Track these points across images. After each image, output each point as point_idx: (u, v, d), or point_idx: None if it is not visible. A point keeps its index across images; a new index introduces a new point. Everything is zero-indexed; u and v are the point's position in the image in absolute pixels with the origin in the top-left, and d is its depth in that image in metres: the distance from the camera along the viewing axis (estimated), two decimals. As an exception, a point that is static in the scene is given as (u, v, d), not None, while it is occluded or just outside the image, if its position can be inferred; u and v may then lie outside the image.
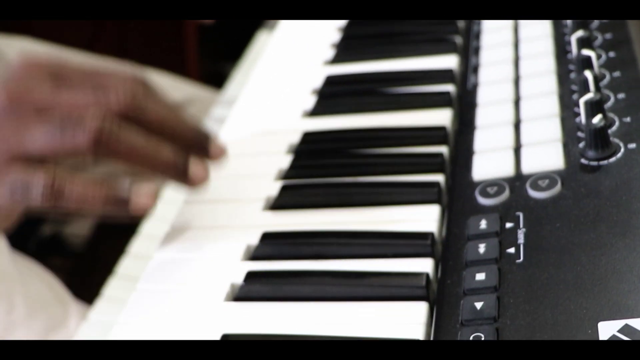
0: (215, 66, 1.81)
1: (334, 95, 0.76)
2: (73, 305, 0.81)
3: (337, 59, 0.83)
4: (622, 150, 0.57)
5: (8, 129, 0.52)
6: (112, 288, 0.70)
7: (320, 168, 0.67)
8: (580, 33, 0.68)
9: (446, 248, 0.55)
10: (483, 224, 0.55)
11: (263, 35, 1.03)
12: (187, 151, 0.57)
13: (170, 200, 0.77)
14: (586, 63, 0.65)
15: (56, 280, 0.82)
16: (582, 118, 0.59)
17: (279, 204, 0.63)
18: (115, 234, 0.75)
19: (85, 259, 1.33)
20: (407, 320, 0.51)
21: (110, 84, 0.54)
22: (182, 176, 0.56)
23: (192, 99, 1.15)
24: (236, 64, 0.99)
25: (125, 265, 0.74)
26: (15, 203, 0.53)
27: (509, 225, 0.54)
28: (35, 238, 1.32)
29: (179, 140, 0.57)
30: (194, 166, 0.57)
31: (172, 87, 1.16)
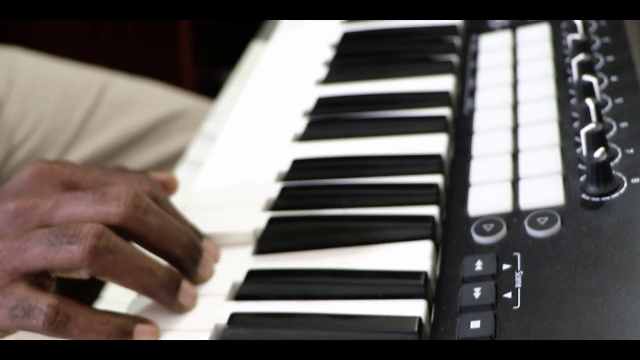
0: (210, 73, 1.78)
1: (324, 119, 0.73)
2: None
3: (329, 79, 0.80)
4: (625, 185, 0.55)
5: (12, 242, 0.52)
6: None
7: (309, 199, 0.64)
8: (581, 57, 0.65)
9: (440, 290, 0.52)
10: (479, 265, 0.52)
11: (257, 46, 1.01)
12: (179, 268, 0.57)
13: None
14: (587, 90, 0.62)
15: None
16: (584, 150, 0.56)
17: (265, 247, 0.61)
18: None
19: (70, 283, 1.31)
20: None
21: (111, 194, 0.53)
22: (171, 302, 0.55)
23: (184, 111, 1.13)
24: (231, 71, 0.96)
25: (113, 289, 0.71)
26: (13, 325, 0.52)
27: (505, 267, 0.52)
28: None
29: (175, 255, 0.56)
30: (185, 292, 0.56)
31: (164, 98, 1.14)
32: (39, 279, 0.52)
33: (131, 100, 1.11)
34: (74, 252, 0.51)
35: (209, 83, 1.71)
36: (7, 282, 0.52)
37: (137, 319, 0.54)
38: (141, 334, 0.53)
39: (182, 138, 1.07)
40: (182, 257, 0.56)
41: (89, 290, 0.69)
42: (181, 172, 0.77)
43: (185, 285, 0.56)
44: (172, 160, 0.99)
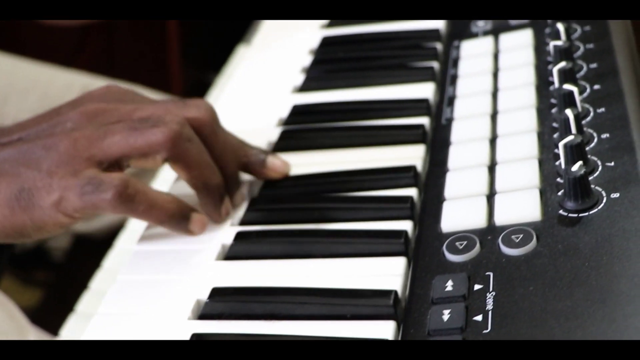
0: (199, 75, 1.76)
1: (298, 129, 0.71)
2: (32, 334, 0.77)
3: (306, 86, 0.77)
4: (605, 200, 0.52)
5: (92, 132, 0.55)
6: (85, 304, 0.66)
7: (280, 212, 0.61)
8: (563, 64, 0.63)
9: (408, 311, 0.50)
10: (449, 286, 0.50)
11: (241, 50, 0.99)
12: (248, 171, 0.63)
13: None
14: (568, 99, 0.59)
15: (16, 309, 0.78)
16: (562, 163, 0.54)
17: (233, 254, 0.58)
18: (93, 247, 0.73)
19: (65, 271, 1.32)
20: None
21: (193, 103, 0.59)
22: (215, 210, 0.60)
23: None
24: (221, 73, 0.94)
25: (99, 279, 0.70)
26: (83, 203, 0.54)
27: (477, 287, 0.49)
28: (17, 250, 1.30)
29: (210, 186, 0.59)
30: (225, 207, 0.60)
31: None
32: (111, 168, 0.55)
33: None
34: (158, 135, 0.54)
35: (198, 85, 1.69)
36: (82, 167, 0.54)
37: (192, 208, 0.58)
38: (195, 221, 0.58)
39: None
40: (220, 186, 0.60)
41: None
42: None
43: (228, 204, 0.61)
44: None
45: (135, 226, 0.74)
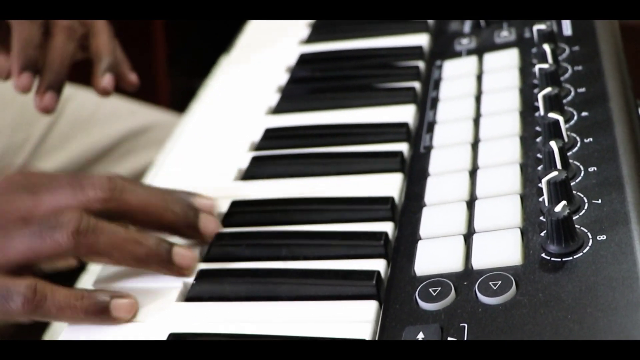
0: (186, 82, 1.73)
1: (270, 155, 0.67)
2: None
3: (280, 108, 0.74)
4: (590, 243, 0.49)
5: None
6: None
7: (245, 248, 0.58)
8: (548, 90, 0.59)
9: (375, 365, 0.46)
10: (420, 338, 0.46)
11: (224, 61, 0.95)
12: (179, 234, 0.58)
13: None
14: (554, 129, 0.56)
15: None
16: (545, 201, 0.50)
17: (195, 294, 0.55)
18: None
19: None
20: None
21: (86, 183, 0.55)
22: (167, 265, 0.55)
23: (149, 126, 1.08)
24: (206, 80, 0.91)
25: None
26: None
27: (450, 339, 0.45)
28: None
29: (167, 223, 0.57)
30: (179, 254, 0.56)
31: (128, 112, 1.10)
32: (20, 271, 0.53)
33: (93, 115, 1.07)
34: (59, 239, 0.52)
35: (184, 93, 1.66)
36: None
37: (113, 294, 0.54)
38: (118, 308, 0.54)
39: (148, 154, 1.02)
40: (176, 221, 0.57)
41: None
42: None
43: (178, 248, 0.56)
44: (137, 178, 0.95)
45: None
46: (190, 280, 0.56)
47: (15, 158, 0.97)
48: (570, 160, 0.55)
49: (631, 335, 0.42)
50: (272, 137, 0.69)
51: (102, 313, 0.53)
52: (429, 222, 0.55)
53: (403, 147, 0.65)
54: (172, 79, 1.71)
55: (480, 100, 0.65)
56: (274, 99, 0.75)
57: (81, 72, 0.78)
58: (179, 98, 1.46)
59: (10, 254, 0.53)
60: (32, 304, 0.52)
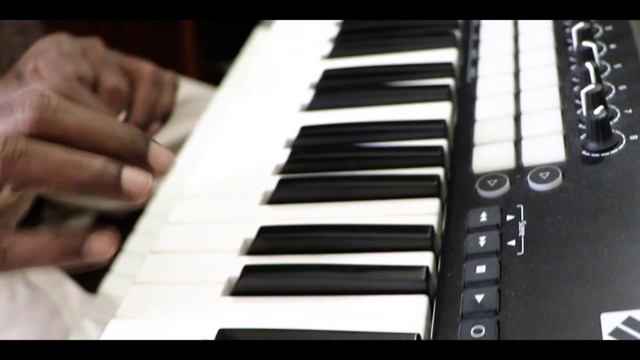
0: (212, 64, 1.80)
1: (331, 89, 0.75)
2: (70, 286, 0.81)
3: (335, 53, 0.82)
4: (624, 142, 0.57)
5: None
6: (110, 284, 0.70)
7: (319, 162, 0.66)
8: (580, 25, 0.67)
9: (446, 241, 0.54)
10: (483, 217, 0.54)
11: (260, 32, 1.03)
12: (122, 161, 0.50)
13: (165, 196, 0.77)
14: (587, 55, 0.64)
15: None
16: (583, 110, 0.58)
17: (277, 198, 0.63)
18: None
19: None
20: (407, 314, 0.50)
21: (16, 102, 0.48)
22: (115, 192, 0.49)
23: (189, 98, 1.14)
24: (233, 62, 0.98)
25: (122, 262, 0.74)
26: None
27: (509, 217, 0.54)
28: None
29: (111, 150, 0.49)
30: (129, 179, 0.49)
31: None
32: None
33: None
34: None
35: (211, 75, 1.73)
36: None
37: (89, 231, 0.49)
38: (92, 252, 0.49)
39: (187, 125, 1.09)
40: (121, 149, 0.49)
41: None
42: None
43: (128, 172, 0.48)
44: (179, 145, 1.01)
45: (157, 209, 0.76)
46: (236, 275, 0.55)
47: None
48: (603, 82, 0.63)
49: (664, 207, 0.50)
50: (330, 76, 0.78)
51: (75, 256, 0.49)
52: (481, 133, 0.63)
53: (449, 81, 0.73)
54: (199, 61, 1.79)
55: (518, 40, 0.74)
56: (327, 47, 0.83)
57: (120, 51, 0.80)
58: (206, 80, 1.53)
59: None
60: None
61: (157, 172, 0.50)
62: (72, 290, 0.83)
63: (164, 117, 0.77)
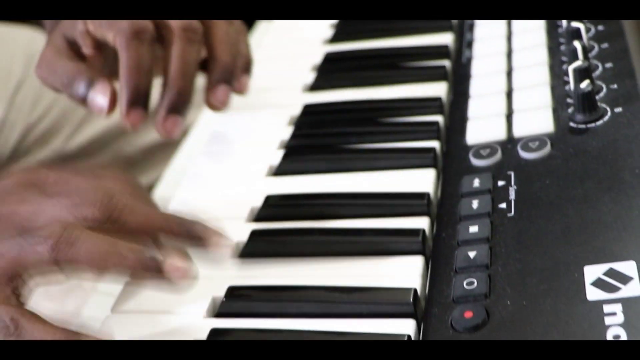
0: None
1: (333, 70, 0.79)
2: None
3: (337, 38, 0.85)
4: (609, 114, 0.60)
5: None
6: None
7: (320, 137, 0.69)
8: (569, 7, 0.70)
9: (441, 206, 0.58)
10: (476, 183, 0.58)
11: (262, 24, 1.06)
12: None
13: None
14: (575, 34, 0.67)
15: None
16: (571, 84, 0.62)
17: (282, 170, 0.66)
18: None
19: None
20: (405, 272, 0.53)
21: (87, 199, 0.53)
22: (157, 276, 0.51)
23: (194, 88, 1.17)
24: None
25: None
26: None
27: (501, 183, 0.57)
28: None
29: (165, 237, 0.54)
30: (171, 266, 0.51)
31: None
32: (17, 289, 0.52)
33: None
34: (40, 251, 0.51)
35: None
36: None
37: (87, 335, 0.51)
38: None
39: (193, 113, 1.12)
40: (180, 237, 0.53)
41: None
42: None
43: (171, 261, 0.51)
44: (184, 134, 1.04)
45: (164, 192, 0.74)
46: (244, 239, 0.59)
47: (71, 118, 1.03)
48: (590, 60, 0.67)
49: (645, 170, 0.54)
50: (333, 59, 0.81)
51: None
52: (474, 108, 0.66)
53: (445, 62, 0.76)
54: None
55: (511, 22, 0.77)
56: (328, 32, 0.87)
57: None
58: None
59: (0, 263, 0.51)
60: (11, 336, 0.50)
61: (218, 248, 0.54)
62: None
63: (247, 66, 0.71)
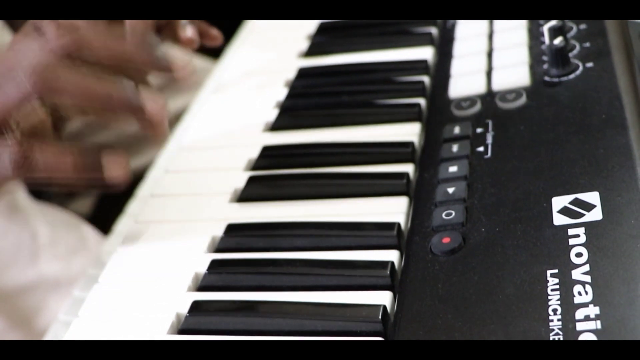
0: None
1: (327, 38, 0.84)
2: (87, 228, 0.88)
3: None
4: (581, 68, 0.65)
5: None
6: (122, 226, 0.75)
7: (316, 96, 0.74)
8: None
9: (424, 151, 0.62)
10: (457, 130, 0.62)
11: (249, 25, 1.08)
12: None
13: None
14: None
15: (89, 229, 0.88)
16: (546, 41, 0.66)
17: (277, 125, 0.71)
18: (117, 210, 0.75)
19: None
20: (392, 210, 0.58)
21: (49, 25, 0.54)
22: (136, 110, 0.54)
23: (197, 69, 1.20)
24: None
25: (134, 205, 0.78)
26: None
27: (479, 130, 0.62)
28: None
29: (136, 70, 0.56)
30: (150, 99, 0.54)
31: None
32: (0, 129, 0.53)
33: None
34: (18, 83, 0.51)
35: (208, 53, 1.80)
36: None
37: (104, 151, 0.53)
38: (110, 162, 0.53)
39: (187, 96, 1.15)
40: (149, 65, 0.56)
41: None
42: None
43: (149, 94, 0.54)
44: (177, 117, 1.05)
45: (156, 174, 0.73)
46: (242, 185, 0.63)
47: None
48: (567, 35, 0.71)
49: (612, 116, 0.58)
50: (326, 28, 0.86)
51: (93, 170, 0.53)
52: (457, 66, 0.71)
53: (432, 29, 0.81)
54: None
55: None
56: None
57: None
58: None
59: None
60: (21, 163, 0.52)
61: (183, 76, 0.57)
62: (88, 231, 0.91)
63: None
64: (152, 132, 0.55)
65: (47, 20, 0.55)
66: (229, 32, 1.15)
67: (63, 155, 0.53)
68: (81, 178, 0.54)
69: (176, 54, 0.58)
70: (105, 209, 1.15)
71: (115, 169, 0.53)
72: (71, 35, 0.54)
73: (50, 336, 0.60)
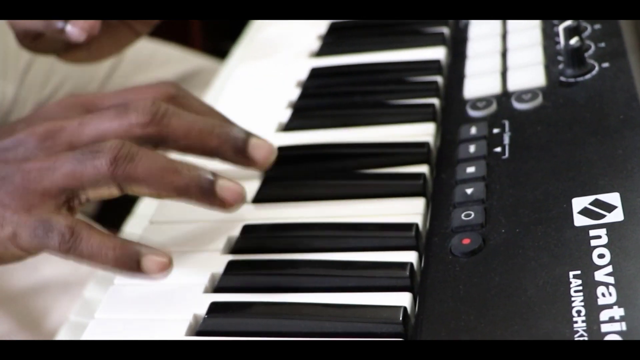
0: (219, 44, 1.87)
1: (339, 38, 0.83)
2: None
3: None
4: (597, 68, 0.64)
5: (42, 162, 0.54)
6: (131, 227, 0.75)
7: (329, 96, 0.74)
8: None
9: (440, 151, 0.62)
10: (473, 130, 0.62)
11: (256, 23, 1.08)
12: (225, 159, 0.57)
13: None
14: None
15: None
16: (562, 41, 0.66)
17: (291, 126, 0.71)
18: (118, 216, 0.76)
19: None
20: (409, 211, 0.58)
21: (131, 106, 0.55)
22: (209, 197, 0.54)
23: (197, 70, 1.20)
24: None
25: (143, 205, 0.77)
26: (33, 244, 0.53)
27: (496, 130, 0.61)
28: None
29: (212, 148, 0.57)
30: (223, 186, 0.54)
31: (180, 58, 1.22)
32: (69, 201, 0.54)
33: (150, 59, 1.19)
34: (98, 166, 0.52)
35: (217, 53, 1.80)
36: (37, 202, 0.53)
37: (148, 248, 0.53)
38: (150, 263, 0.53)
39: (197, 95, 1.14)
40: (220, 145, 0.56)
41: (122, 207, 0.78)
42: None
43: (223, 181, 0.54)
44: None
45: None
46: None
47: None
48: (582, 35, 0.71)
49: (629, 117, 0.58)
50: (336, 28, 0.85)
51: (132, 267, 0.53)
52: (471, 67, 0.71)
53: (444, 29, 0.81)
54: (205, 39, 1.86)
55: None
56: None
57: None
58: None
59: (56, 178, 0.53)
60: (67, 244, 0.52)
61: (259, 165, 0.58)
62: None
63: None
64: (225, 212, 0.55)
65: (136, 99, 0.56)
66: (234, 31, 1.15)
67: (106, 247, 0.53)
68: (114, 270, 0.54)
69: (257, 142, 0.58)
70: (113, 209, 1.15)
71: (153, 270, 0.53)
72: (158, 124, 0.55)
73: (61, 337, 0.60)
